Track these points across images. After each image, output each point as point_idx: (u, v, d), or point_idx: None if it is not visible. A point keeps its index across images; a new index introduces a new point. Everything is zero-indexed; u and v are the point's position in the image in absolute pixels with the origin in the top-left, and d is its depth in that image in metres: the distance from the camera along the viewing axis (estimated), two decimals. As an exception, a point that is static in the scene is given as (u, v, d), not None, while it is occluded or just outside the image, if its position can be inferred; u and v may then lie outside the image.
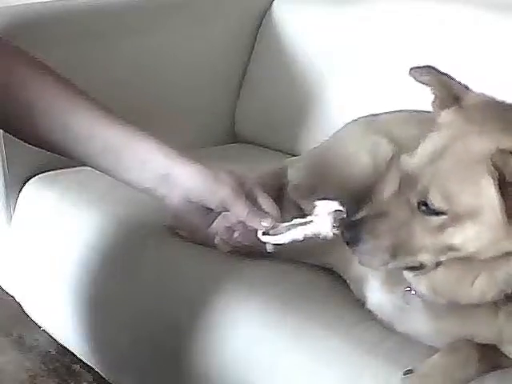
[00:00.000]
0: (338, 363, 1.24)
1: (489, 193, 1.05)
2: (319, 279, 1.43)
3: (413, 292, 1.20)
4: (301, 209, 1.63)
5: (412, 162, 1.12)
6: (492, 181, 1.05)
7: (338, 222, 1.13)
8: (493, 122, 1.10)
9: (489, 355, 1.16)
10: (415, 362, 1.16)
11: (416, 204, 1.09)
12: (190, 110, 2.16)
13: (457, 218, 1.07)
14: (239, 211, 1.15)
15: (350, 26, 2.04)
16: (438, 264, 1.12)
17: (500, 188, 1.04)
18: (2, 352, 2.07)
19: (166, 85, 2.11)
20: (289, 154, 1.99)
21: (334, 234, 1.14)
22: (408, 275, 1.19)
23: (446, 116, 1.14)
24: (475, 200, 1.06)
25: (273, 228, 1.16)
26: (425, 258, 1.11)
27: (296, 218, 1.17)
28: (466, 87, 1.18)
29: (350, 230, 1.12)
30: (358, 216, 1.14)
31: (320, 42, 2.09)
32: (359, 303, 1.34)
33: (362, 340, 1.26)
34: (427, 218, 1.08)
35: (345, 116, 1.72)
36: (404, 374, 1.14)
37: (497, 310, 1.15)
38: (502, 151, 1.04)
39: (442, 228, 1.08)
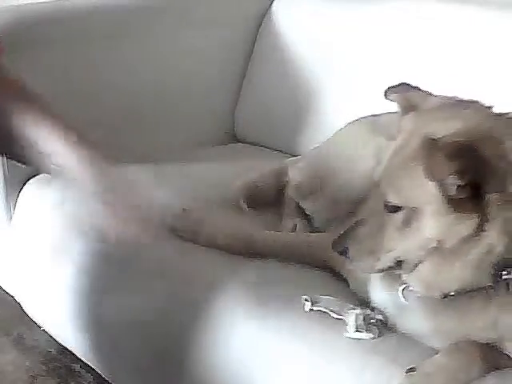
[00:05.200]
0: (340, 361, 1.24)
1: (427, 184, 1.11)
2: (319, 278, 1.43)
3: (411, 288, 1.22)
4: (301, 208, 1.64)
5: (378, 169, 1.20)
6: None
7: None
8: (433, 116, 1.17)
9: (491, 356, 1.17)
10: (418, 360, 1.16)
11: (384, 206, 1.16)
12: (190, 110, 2.15)
13: (413, 211, 1.13)
14: None
15: (350, 26, 2.04)
16: (420, 261, 1.16)
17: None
18: (1, 352, 2.06)
19: (166, 85, 2.10)
20: (289, 154, 1.99)
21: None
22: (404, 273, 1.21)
23: (402, 122, 1.22)
24: (419, 192, 1.12)
25: None
26: (401, 254, 1.16)
27: None
28: (429, 94, 1.25)
29: (340, 241, 1.21)
30: (346, 228, 1.22)
31: (319, 42, 2.09)
32: (360, 302, 1.34)
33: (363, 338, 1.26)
34: (393, 216, 1.15)
35: (344, 116, 1.72)
36: (407, 372, 1.15)
37: (489, 301, 1.17)
38: (430, 141, 1.10)
39: (407, 223, 1.14)
